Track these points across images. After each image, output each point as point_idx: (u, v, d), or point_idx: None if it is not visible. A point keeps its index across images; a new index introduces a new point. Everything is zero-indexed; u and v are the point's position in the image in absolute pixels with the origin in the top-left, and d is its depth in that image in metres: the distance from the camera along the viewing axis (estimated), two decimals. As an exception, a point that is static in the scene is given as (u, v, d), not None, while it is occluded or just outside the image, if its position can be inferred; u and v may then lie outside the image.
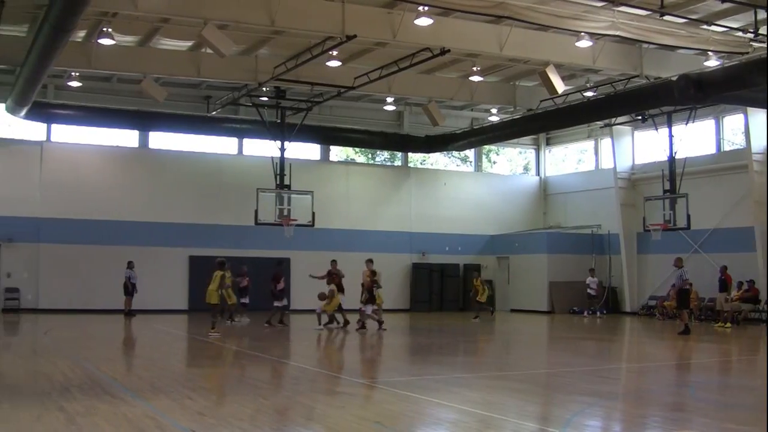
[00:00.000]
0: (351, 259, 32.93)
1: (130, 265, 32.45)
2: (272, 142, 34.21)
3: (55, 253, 34.03)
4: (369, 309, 26.84)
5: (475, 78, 31.98)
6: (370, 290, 26.83)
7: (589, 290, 37.07)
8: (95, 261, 34.15)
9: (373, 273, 27.29)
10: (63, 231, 34.13)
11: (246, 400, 12.48)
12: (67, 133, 35.39)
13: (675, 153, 33.45)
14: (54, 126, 34.84)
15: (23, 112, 30.99)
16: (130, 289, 32.33)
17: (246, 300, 29.91)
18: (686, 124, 32.55)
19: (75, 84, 32.02)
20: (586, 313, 36.86)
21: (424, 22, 24.41)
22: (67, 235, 34.12)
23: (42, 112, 32.49)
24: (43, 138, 34.87)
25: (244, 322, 29.19)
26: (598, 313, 36.36)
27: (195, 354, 21.02)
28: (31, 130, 34.72)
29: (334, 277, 27.69)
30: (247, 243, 36.41)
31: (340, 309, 27.91)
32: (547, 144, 44.79)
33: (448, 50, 26.62)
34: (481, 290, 34.02)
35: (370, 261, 27.95)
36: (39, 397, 12.19)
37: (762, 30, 25.54)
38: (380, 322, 26.99)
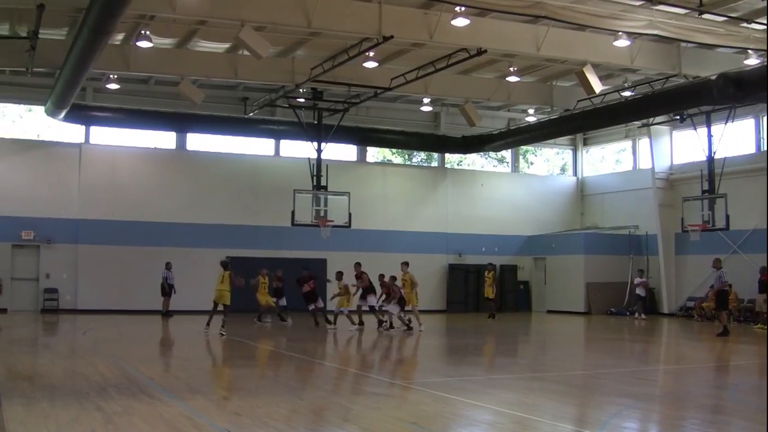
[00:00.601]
0: (387, 260, 32.97)
1: (167, 266, 32.62)
2: (309, 143, 34.30)
3: (93, 254, 34.30)
4: (395, 309, 26.69)
5: (512, 78, 31.83)
6: (387, 293, 26.79)
7: (637, 290, 35.98)
8: (133, 262, 34.38)
9: (393, 278, 27.24)
10: (101, 232, 34.39)
11: (281, 400, 12.51)
12: (105, 135, 35.67)
13: (714, 153, 33.18)
14: (92, 128, 35.11)
15: (62, 115, 31.30)
16: (167, 289, 32.47)
17: (284, 302, 30.00)
18: (725, 123, 32.24)
19: (113, 86, 32.20)
20: (640, 315, 34.99)
21: (460, 22, 24.40)
22: (105, 237, 34.39)
23: (81, 114, 32.84)
24: (82, 140, 35.14)
25: (281, 323, 29.29)
26: (636, 314, 35.50)
27: (231, 354, 21.09)
28: (70, 133, 35.04)
29: (363, 279, 27.71)
30: (284, 244, 36.53)
31: (373, 310, 27.92)
32: (585, 144, 44.55)
33: (485, 51, 26.56)
34: (489, 285, 33.69)
35: (404, 264, 28.16)
36: (77, 397, 12.29)
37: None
38: (391, 323, 27.02)
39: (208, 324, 24.81)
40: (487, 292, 33.92)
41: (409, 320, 27.03)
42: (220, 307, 24.98)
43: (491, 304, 34.26)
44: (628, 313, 37.09)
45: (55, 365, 16.77)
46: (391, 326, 27.06)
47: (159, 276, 32.58)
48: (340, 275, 27.96)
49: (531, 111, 39.20)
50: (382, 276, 27.74)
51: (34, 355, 19.55)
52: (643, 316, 34.81)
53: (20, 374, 15.02)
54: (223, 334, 23.92)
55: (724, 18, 25.37)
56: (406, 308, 27.25)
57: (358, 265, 28.14)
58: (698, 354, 23.08)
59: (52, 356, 19.17)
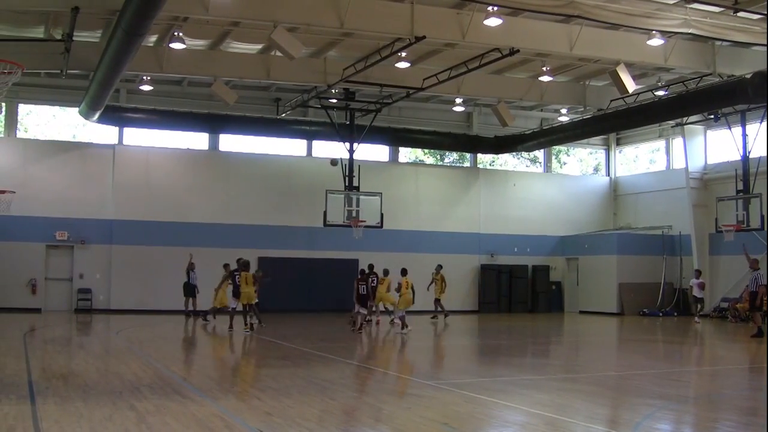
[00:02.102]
0: (420, 260, 32.96)
1: (191, 267, 32.47)
2: (341, 143, 34.35)
3: (126, 255, 34.50)
4: (362, 310, 26.65)
5: (545, 78, 31.69)
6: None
7: (695, 291, 33.99)
8: (166, 262, 34.44)
9: (362, 270, 27.51)
10: (135, 233, 34.58)
11: (313, 400, 12.53)
12: (138, 136, 35.90)
13: (749, 152, 32.93)
14: (126, 129, 35.33)
15: (96, 116, 31.55)
16: (190, 289, 32.26)
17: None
18: (760, 122, 31.98)
19: (147, 88, 32.43)
20: (697, 319, 33.56)
21: (493, 22, 24.32)
22: (138, 237, 34.59)
23: (114, 115, 33.07)
24: (116, 141, 35.36)
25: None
26: (696, 317, 33.90)
27: (263, 354, 21.16)
28: (104, 134, 35.30)
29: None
30: (316, 244, 36.59)
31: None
32: (618, 144, 44.30)
33: (518, 50, 26.50)
34: (439, 286, 32.47)
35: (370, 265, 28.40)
36: (110, 396, 12.38)
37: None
38: (357, 323, 26.63)
39: (248, 325, 25.18)
40: (439, 293, 32.61)
41: (358, 321, 26.74)
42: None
43: (440, 305, 32.80)
44: (661, 314, 36.88)
45: (89, 365, 16.90)
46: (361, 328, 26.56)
47: (192, 276, 32.55)
48: (386, 272, 28.18)
49: (564, 111, 39.03)
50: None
51: (68, 355, 19.71)
52: (696, 319, 33.41)
53: (54, 373, 15.14)
54: (249, 332, 24.37)
55: (760, 16, 25.10)
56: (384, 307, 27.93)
57: (370, 266, 28.15)
58: (732, 355, 22.90)
59: (85, 356, 19.33)
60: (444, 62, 29.57)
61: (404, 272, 27.14)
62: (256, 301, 26.44)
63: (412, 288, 26.80)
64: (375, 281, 27.35)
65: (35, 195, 33.05)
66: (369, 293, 26.75)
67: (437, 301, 32.73)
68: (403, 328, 25.72)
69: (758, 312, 26.60)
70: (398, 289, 27.02)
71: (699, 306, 34.11)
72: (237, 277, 26.18)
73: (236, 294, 26.31)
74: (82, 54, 27.40)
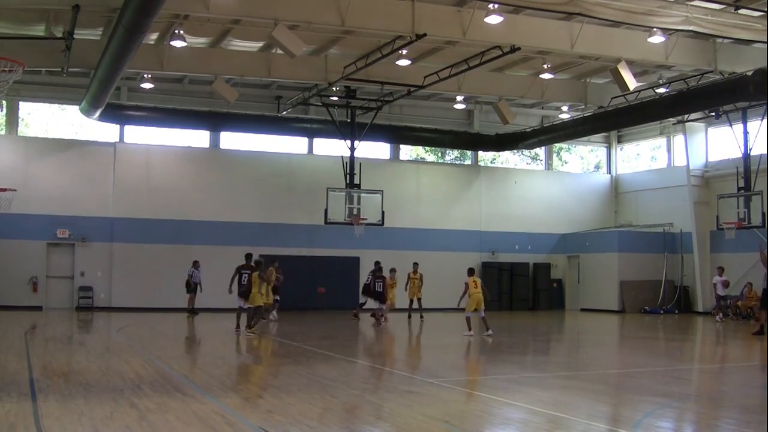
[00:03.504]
0: (421, 258, 32.91)
1: (195, 265, 32.45)
2: (342, 141, 34.40)
3: (127, 253, 34.53)
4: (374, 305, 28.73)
5: (546, 75, 31.69)
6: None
7: (717, 290, 32.69)
8: (167, 260, 34.53)
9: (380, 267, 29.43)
10: (135, 231, 34.60)
11: (315, 398, 12.50)
12: (139, 134, 35.90)
13: (750, 149, 32.91)
14: (127, 127, 35.35)
15: (97, 114, 31.52)
16: (192, 287, 32.32)
17: (276, 296, 28.89)
18: (761, 119, 31.96)
19: (148, 86, 32.44)
20: (718, 318, 32.23)
21: (494, 19, 24.31)
22: (139, 235, 34.60)
23: (115, 113, 33.08)
24: (117, 139, 35.39)
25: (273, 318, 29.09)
26: (717, 315, 32.58)
27: (265, 352, 21.15)
28: (105, 132, 35.30)
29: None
30: (317, 242, 36.58)
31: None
32: (619, 142, 44.27)
33: (519, 48, 26.46)
34: (391, 287, 30.58)
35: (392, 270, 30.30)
36: (111, 394, 12.36)
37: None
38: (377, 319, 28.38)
39: (250, 326, 24.66)
40: (412, 293, 31.52)
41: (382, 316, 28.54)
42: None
43: (418, 305, 31.67)
44: (662, 312, 36.88)
45: (90, 362, 16.88)
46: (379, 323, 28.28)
47: (194, 274, 32.51)
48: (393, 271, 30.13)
49: (565, 108, 38.94)
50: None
51: (69, 353, 19.70)
52: (719, 317, 32.22)
53: (55, 371, 15.14)
54: (254, 333, 23.98)
55: (761, 13, 25.10)
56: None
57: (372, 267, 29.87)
58: (734, 353, 22.88)
59: (87, 354, 19.31)
60: (445, 60, 29.57)
61: (471, 272, 25.32)
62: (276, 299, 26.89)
63: (482, 286, 24.80)
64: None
65: (36, 193, 33.07)
66: (385, 290, 28.29)
67: (419, 300, 31.48)
68: (487, 329, 24.48)
69: (764, 310, 26.41)
70: (465, 291, 24.70)
71: (721, 304, 32.93)
72: (245, 275, 24.54)
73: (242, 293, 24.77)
74: (83, 52, 27.41)
